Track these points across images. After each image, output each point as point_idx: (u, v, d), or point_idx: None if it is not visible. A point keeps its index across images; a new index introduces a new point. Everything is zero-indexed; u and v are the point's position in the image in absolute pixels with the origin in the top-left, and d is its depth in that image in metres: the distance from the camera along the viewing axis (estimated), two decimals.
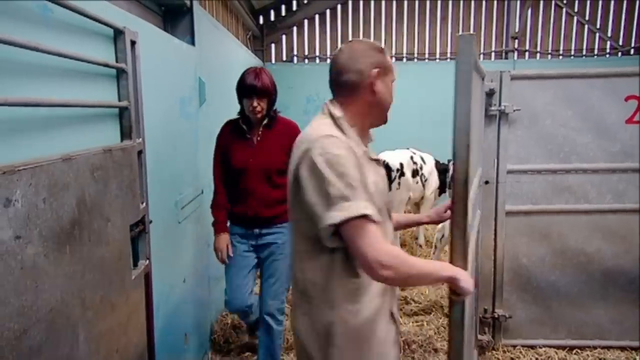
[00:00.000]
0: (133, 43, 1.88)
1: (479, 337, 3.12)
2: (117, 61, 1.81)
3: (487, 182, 3.07)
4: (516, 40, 7.62)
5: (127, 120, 1.85)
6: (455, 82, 1.30)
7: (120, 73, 1.81)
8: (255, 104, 2.47)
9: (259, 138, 2.57)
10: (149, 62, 2.12)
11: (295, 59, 8.37)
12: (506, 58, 7.68)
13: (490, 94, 2.96)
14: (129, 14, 2.04)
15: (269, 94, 2.53)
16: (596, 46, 7.74)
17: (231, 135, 2.61)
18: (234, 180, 2.61)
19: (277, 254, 2.64)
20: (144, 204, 1.95)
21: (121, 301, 1.71)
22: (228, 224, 2.71)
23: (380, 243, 1.26)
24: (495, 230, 3.12)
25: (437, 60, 8.08)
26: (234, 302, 2.68)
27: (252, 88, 2.46)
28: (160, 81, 2.40)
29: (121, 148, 1.75)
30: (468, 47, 1.30)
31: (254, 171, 2.54)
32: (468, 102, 1.30)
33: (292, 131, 2.54)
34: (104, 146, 1.60)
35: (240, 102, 2.55)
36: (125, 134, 1.85)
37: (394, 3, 8.14)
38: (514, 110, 2.98)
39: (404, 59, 8.17)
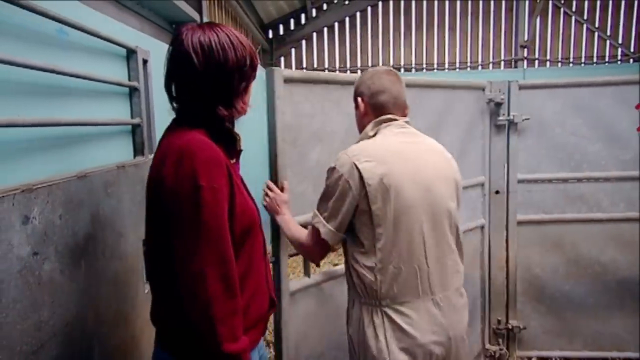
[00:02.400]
0: (145, 61, 1.93)
1: (487, 346, 3.10)
2: (129, 79, 1.86)
3: (497, 192, 3.06)
4: (525, 49, 7.62)
5: (139, 137, 1.90)
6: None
7: (132, 91, 1.87)
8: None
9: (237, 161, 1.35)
10: (161, 79, 2.17)
11: (304, 71, 8.43)
12: (516, 67, 7.68)
13: (498, 103, 2.97)
14: (141, 34, 2.11)
15: None
16: (607, 53, 7.71)
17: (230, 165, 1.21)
18: (244, 252, 1.26)
19: None
20: None
21: (134, 315, 1.74)
22: None
23: None
24: (507, 240, 3.10)
25: (446, 71, 8.10)
26: None
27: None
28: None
29: (134, 164, 1.79)
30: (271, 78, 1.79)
31: (259, 225, 1.34)
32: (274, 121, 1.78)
33: None
34: (118, 163, 1.65)
35: (237, 92, 1.24)
36: (138, 150, 1.90)
37: (402, 15, 8.20)
38: (523, 120, 2.98)
39: (413, 70, 8.21)
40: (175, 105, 1.24)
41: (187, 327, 1.11)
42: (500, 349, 3.10)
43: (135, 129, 1.90)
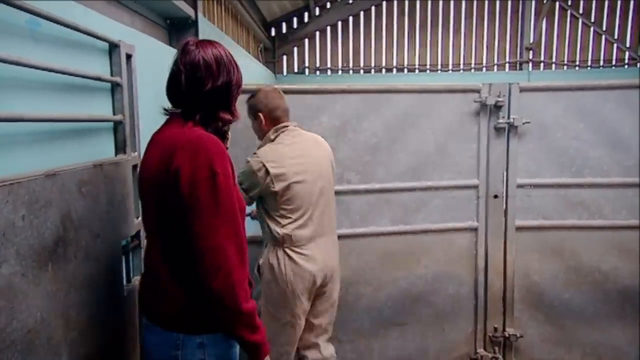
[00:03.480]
0: (129, 56, 1.87)
1: (480, 351, 3.06)
2: (112, 75, 1.80)
3: (495, 196, 2.99)
4: (531, 51, 7.53)
5: (121, 134, 1.84)
6: None
7: (115, 87, 1.80)
8: None
9: None
10: (149, 75, 2.11)
11: (306, 70, 8.41)
12: (520, 69, 7.59)
13: (498, 106, 2.89)
14: (126, 27, 2.05)
15: None
16: (614, 57, 7.60)
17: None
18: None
19: None
20: (139, 218, 1.93)
21: (112, 319, 1.67)
22: None
23: None
24: (505, 246, 3.03)
25: (450, 72, 8.03)
26: None
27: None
28: (163, 94, 2.39)
29: (114, 162, 1.73)
30: None
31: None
32: None
33: None
34: (95, 161, 1.58)
35: (230, 102, 1.49)
36: (120, 148, 1.83)
37: (406, 16, 8.13)
38: (524, 123, 2.91)
39: (416, 71, 8.14)
40: (174, 106, 1.44)
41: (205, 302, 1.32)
42: (496, 357, 3.04)
43: (117, 126, 1.83)
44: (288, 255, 2.21)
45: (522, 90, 2.93)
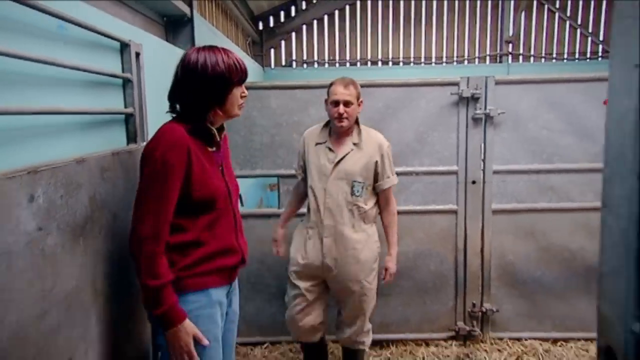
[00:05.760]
0: (137, 54, 2.04)
1: (459, 324, 3.30)
2: (123, 71, 1.97)
3: (474, 182, 3.21)
4: (510, 44, 7.78)
5: (132, 126, 2.01)
6: None
7: (126, 82, 1.97)
8: (246, 92, 1.72)
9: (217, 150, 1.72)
10: (153, 71, 2.28)
11: (294, 63, 8.53)
12: (500, 62, 7.84)
13: (475, 98, 3.11)
14: (134, 27, 2.20)
15: None
16: (589, 49, 7.89)
17: (195, 148, 1.58)
18: (202, 217, 1.63)
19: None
20: None
21: (132, 289, 1.86)
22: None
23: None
24: (483, 228, 3.26)
25: (433, 65, 8.24)
26: None
27: (245, 72, 1.68)
28: (164, 88, 2.55)
29: (127, 151, 1.90)
30: None
31: (234, 196, 1.77)
32: None
33: (227, 140, 1.88)
34: (113, 149, 1.76)
35: (221, 95, 1.62)
36: (131, 138, 2.00)
37: (390, 10, 8.31)
38: (499, 114, 3.13)
39: (401, 64, 8.33)
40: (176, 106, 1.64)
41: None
42: (474, 330, 3.28)
43: (128, 118, 2.00)
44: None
45: (498, 83, 3.14)
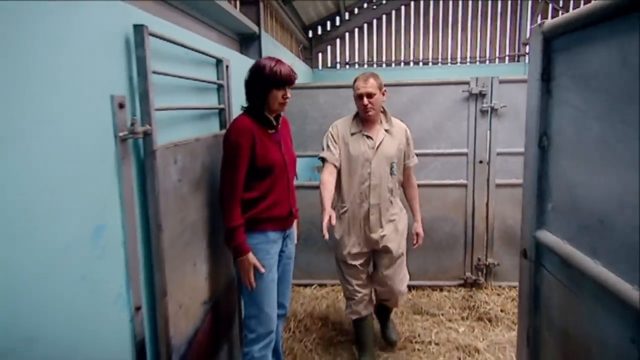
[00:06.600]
0: (227, 67, 2.54)
1: (467, 274, 3.66)
2: (217, 79, 2.48)
3: (481, 162, 3.56)
4: (527, 46, 7.83)
5: (223, 117, 2.52)
6: None
7: (219, 87, 2.49)
8: (289, 94, 2.04)
9: (275, 132, 2.11)
10: (234, 77, 2.78)
11: (338, 65, 8.89)
12: (518, 61, 7.90)
13: (482, 94, 3.45)
14: (224, 48, 2.71)
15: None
16: None
17: (258, 131, 2.00)
18: (264, 180, 2.03)
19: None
20: None
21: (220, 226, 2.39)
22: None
23: (322, 173, 2.48)
24: (488, 198, 3.61)
25: (458, 64, 8.39)
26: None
27: (288, 78, 2.00)
28: (242, 91, 3.06)
29: (220, 135, 2.41)
30: None
31: (290, 166, 2.16)
32: None
33: (287, 124, 2.30)
34: (213, 133, 2.29)
35: (265, 94, 2.00)
36: (222, 125, 2.51)
37: (421, 16, 8.49)
38: (502, 107, 3.45)
39: (430, 64, 8.53)
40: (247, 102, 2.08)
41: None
42: (479, 280, 3.65)
43: (220, 112, 2.52)
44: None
45: (501, 82, 3.46)
